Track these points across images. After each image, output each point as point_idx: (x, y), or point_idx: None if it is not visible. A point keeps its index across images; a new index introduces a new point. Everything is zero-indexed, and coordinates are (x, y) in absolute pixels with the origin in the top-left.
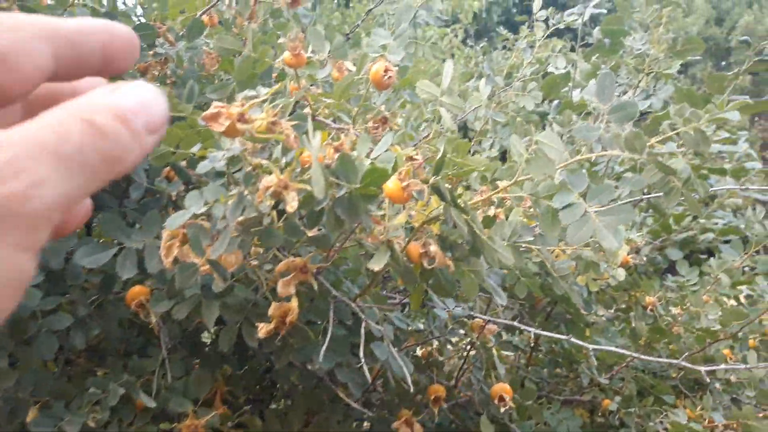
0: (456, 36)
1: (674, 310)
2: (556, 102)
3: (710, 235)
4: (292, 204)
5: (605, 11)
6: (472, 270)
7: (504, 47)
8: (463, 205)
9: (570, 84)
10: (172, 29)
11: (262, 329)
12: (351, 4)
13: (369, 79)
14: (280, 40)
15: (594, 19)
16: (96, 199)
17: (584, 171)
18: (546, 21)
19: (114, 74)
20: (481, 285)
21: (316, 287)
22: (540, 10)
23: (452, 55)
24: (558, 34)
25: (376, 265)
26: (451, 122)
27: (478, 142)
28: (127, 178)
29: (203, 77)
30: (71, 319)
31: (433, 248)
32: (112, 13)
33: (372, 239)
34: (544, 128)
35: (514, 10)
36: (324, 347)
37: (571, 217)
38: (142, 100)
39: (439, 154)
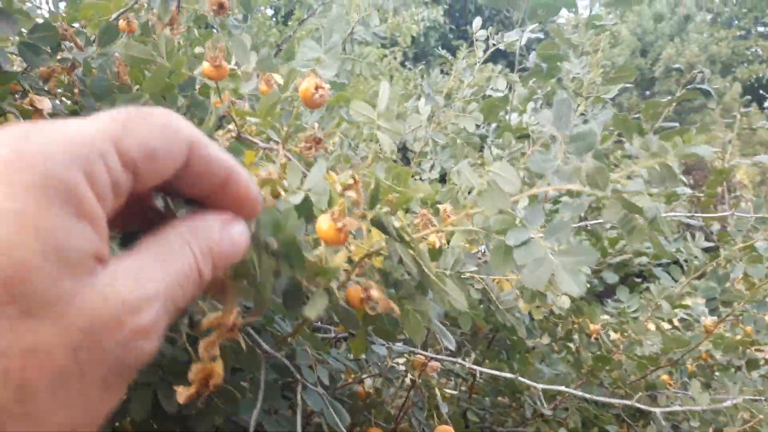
0: (395, 58)
1: (613, 335)
2: (494, 125)
3: (644, 259)
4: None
5: (541, 36)
6: (418, 310)
7: (442, 71)
8: (408, 239)
9: (508, 107)
10: (81, 32)
11: (182, 395)
12: (289, 22)
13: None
14: (198, 49)
15: (529, 45)
16: None
17: (540, 205)
18: (486, 41)
19: (219, 206)
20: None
21: (244, 346)
22: (480, 29)
23: (391, 77)
24: (494, 59)
25: (313, 311)
26: (390, 148)
27: (417, 163)
28: None
29: (116, 87)
30: None
31: (376, 293)
32: (5, 11)
33: (308, 282)
34: (482, 150)
35: (451, 36)
36: (257, 407)
37: (526, 257)
38: (237, 248)
39: (373, 185)
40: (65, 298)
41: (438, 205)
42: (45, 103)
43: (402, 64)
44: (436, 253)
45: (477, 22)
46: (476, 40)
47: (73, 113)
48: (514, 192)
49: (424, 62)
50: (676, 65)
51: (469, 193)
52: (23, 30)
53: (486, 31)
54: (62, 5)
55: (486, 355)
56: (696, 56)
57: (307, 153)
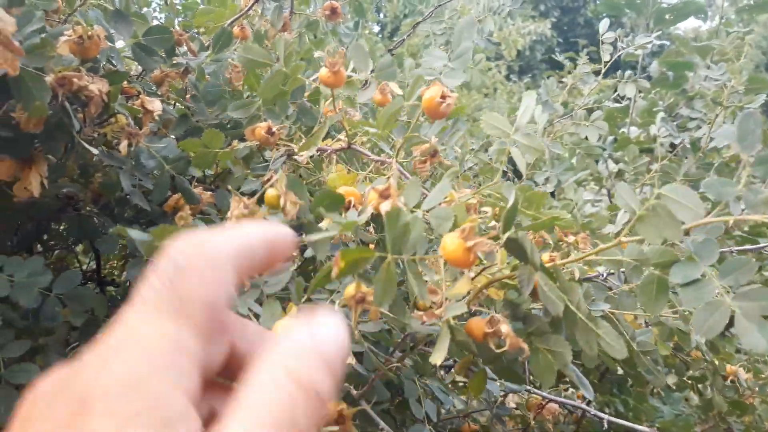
0: (500, 72)
1: (743, 375)
2: (611, 138)
3: None
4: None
5: (666, 43)
6: (552, 351)
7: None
8: (551, 268)
9: (627, 120)
10: (195, 38)
11: None
12: (395, 38)
13: (420, 105)
14: (317, 54)
15: (645, 55)
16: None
17: (715, 238)
18: (614, 44)
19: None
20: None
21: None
22: (607, 31)
23: (495, 90)
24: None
25: (438, 357)
26: (526, 167)
27: (530, 176)
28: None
29: (228, 93)
30: (39, 371)
31: (505, 327)
32: (122, 12)
33: (427, 315)
34: (597, 163)
35: (558, 49)
36: None
37: (695, 299)
38: (340, 342)
39: (510, 203)
40: None
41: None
42: (155, 105)
43: (507, 77)
44: (577, 281)
45: (604, 23)
46: (603, 43)
47: (183, 117)
48: (694, 221)
49: (529, 76)
50: None
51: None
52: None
53: (615, 33)
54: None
55: (597, 388)
56: None
57: (421, 167)
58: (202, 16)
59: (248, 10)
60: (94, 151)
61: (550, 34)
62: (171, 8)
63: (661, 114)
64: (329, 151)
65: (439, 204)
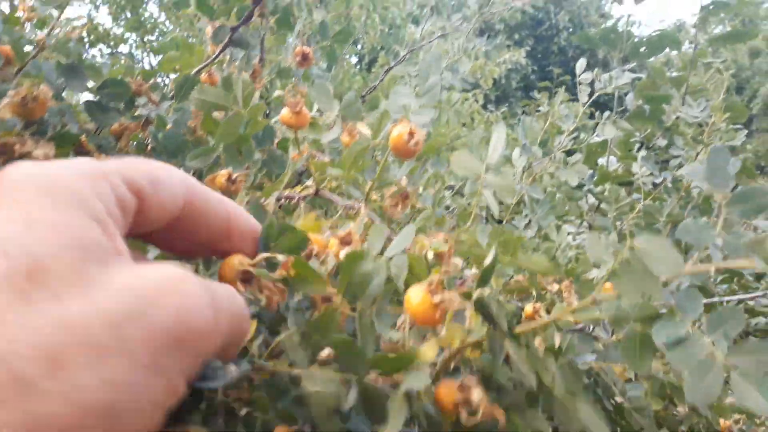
0: (476, 101)
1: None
2: (590, 172)
3: (762, 320)
4: None
5: (642, 76)
6: (530, 427)
7: (524, 112)
8: (526, 342)
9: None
10: (157, 87)
11: None
12: (373, 69)
13: (388, 144)
14: (277, 93)
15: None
16: None
17: (696, 289)
18: (591, 84)
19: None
20: None
21: None
22: (584, 71)
23: (472, 119)
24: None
25: (394, 429)
26: (498, 209)
27: (509, 220)
28: None
29: (191, 142)
30: None
31: (477, 394)
32: (75, 66)
33: (383, 378)
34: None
35: (533, 77)
36: None
37: (685, 359)
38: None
39: (489, 258)
40: (93, 280)
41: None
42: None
43: (483, 106)
44: (554, 351)
45: (581, 64)
46: (580, 84)
47: None
48: (671, 275)
49: (506, 104)
50: None
51: (575, 259)
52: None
53: (592, 74)
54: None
55: None
56: None
57: (392, 211)
58: (169, 64)
59: (216, 57)
60: None
61: (525, 63)
62: (145, 46)
63: (642, 152)
64: (296, 198)
65: (404, 252)
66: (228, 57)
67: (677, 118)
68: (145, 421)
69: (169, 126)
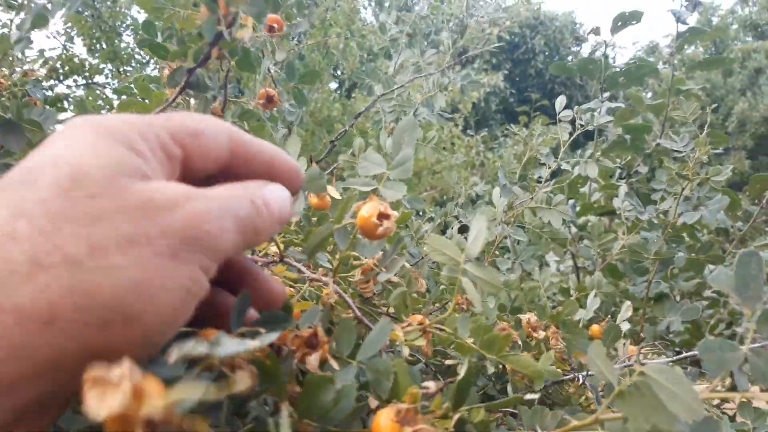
0: (456, 125)
1: None
2: (572, 202)
3: None
4: None
5: (621, 105)
6: None
7: (504, 135)
8: None
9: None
10: None
11: None
12: (353, 95)
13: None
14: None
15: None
16: None
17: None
18: (572, 122)
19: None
20: None
21: None
22: (564, 109)
23: (452, 144)
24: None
25: None
26: (480, 303)
27: (491, 263)
28: None
29: None
30: None
31: None
32: (13, 123)
33: None
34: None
35: (512, 100)
36: None
37: None
38: (281, 198)
39: (463, 371)
40: (122, 188)
41: (520, 315)
42: None
43: (463, 130)
44: None
45: (561, 100)
46: (560, 121)
47: None
48: (689, 418)
49: (485, 128)
50: None
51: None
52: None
53: (572, 112)
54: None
55: None
56: None
57: (364, 288)
58: (125, 108)
59: (172, 101)
60: None
61: (503, 86)
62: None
63: (624, 187)
64: (259, 263)
65: (380, 351)
66: (190, 101)
67: (658, 144)
68: (176, 303)
69: None
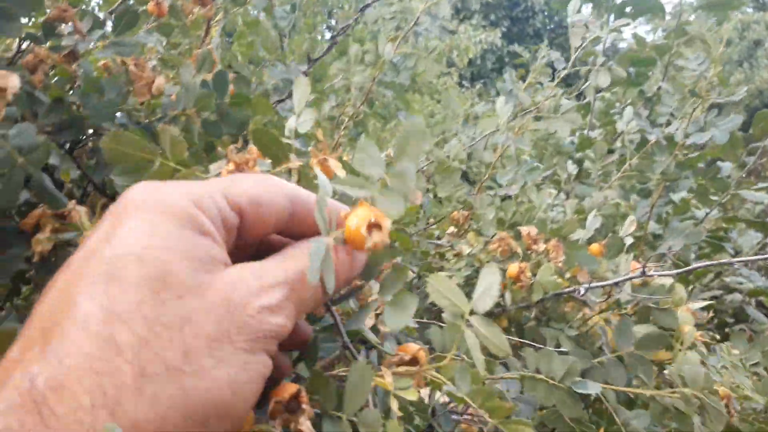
0: (452, 78)
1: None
2: (569, 138)
3: (738, 296)
4: None
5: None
6: None
7: (498, 93)
8: None
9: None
10: (87, 14)
11: None
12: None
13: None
14: (220, 149)
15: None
16: None
17: None
18: (583, 29)
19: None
20: None
21: None
22: (577, 14)
23: (432, 116)
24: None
25: None
26: (483, 365)
27: (492, 177)
28: None
29: (126, 95)
30: None
31: None
32: None
33: None
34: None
35: (507, 59)
36: None
37: None
38: (353, 265)
39: None
40: (204, 285)
41: (519, 228)
42: (11, 81)
43: (459, 84)
44: None
45: (574, 4)
46: (573, 26)
47: (58, 101)
48: None
49: (481, 82)
50: None
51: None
52: None
53: (586, 15)
54: None
55: None
56: (766, 82)
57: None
58: None
59: None
60: None
61: (501, 44)
62: None
63: (630, 108)
64: None
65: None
66: None
67: (659, 88)
68: (255, 389)
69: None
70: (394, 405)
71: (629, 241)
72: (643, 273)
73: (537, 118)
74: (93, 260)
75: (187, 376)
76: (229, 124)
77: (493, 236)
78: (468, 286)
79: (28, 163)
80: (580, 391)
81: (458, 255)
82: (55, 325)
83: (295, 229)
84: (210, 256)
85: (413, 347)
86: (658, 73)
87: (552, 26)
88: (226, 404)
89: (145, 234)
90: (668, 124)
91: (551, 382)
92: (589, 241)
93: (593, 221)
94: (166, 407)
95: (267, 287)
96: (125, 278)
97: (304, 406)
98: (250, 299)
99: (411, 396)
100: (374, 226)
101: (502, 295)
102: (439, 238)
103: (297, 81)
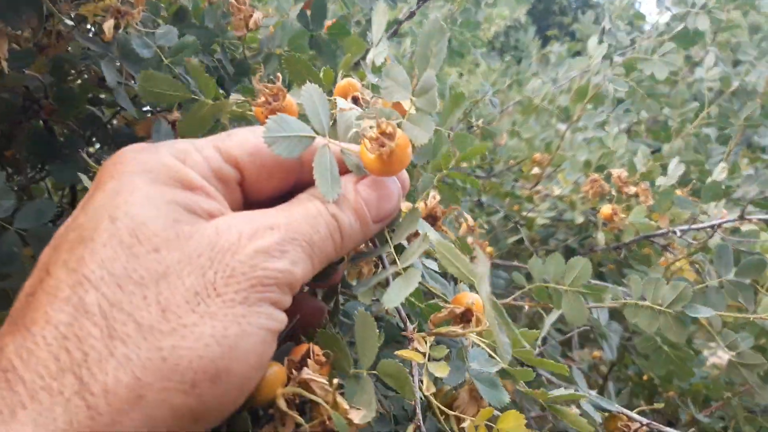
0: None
1: None
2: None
3: None
4: None
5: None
6: None
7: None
8: None
9: None
10: None
11: None
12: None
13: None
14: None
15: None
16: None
17: None
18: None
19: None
20: None
21: None
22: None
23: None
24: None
25: None
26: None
27: (580, 117)
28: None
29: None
30: None
31: None
32: None
33: None
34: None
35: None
36: None
37: None
38: (381, 195)
39: None
40: (184, 236)
41: (611, 170)
42: None
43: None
44: None
45: None
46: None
47: (181, 12)
48: None
49: (510, 54)
50: None
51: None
52: None
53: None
54: None
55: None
56: None
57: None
58: None
59: None
60: (69, 23)
61: (525, 21)
62: None
63: (712, 50)
64: None
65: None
66: None
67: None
68: (257, 346)
69: None
70: (426, 380)
71: (723, 183)
72: (742, 216)
73: (632, 61)
74: (69, 229)
75: (165, 336)
76: (326, 59)
77: (581, 179)
78: (552, 227)
79: (173, 63)
80: (692, 314)
81: (545, 197)
82: (30, 296)
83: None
84: (196, 208)
85: (467, 298)
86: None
87: (577, 4)
88: (216, 365)
89: (123, 193)
90: (747, 72)
91: (657, 308)
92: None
93: (677, 167)
94: (140, 369)
95: (261, 229)
96: (96, 239)
97: (309, 360)
98: (241, 240)
99: (441, 372)
100: (381, 139)
101: (588, 235)
102: (516, 180)
103: (376, 7)
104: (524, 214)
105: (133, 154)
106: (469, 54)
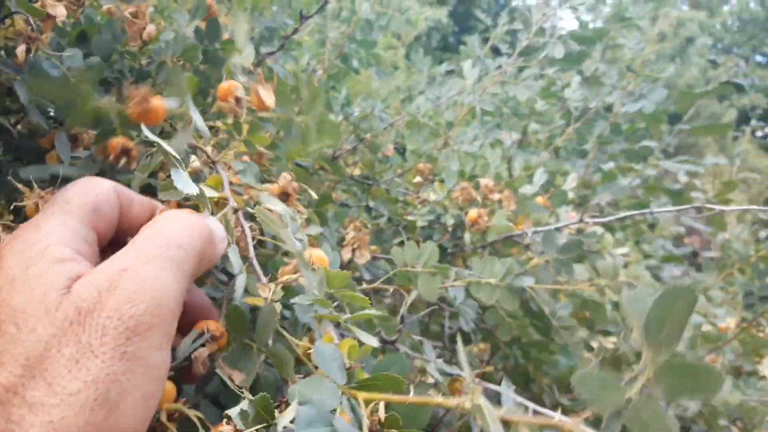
0: (399, 52)
1: None
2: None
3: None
4: None
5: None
6: None
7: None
8: None
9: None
10: None
11: None
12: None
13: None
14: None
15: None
16: None
17: None
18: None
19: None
20: None
21: None
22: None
23: (396, 68)
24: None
25: None
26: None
27: (463, 127)
28: None
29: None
30: None
31: None
32: None
33: None
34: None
35: (452, 39)
36: None
37: None
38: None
39: None
40: (51, 309)
41: (479, 179)
42: (59, 10)
43: (406, 56)
44: None
45: None
46: None
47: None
48: None
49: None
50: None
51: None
52: None
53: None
54: None
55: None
56: (695, 79)
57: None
58: None
59: None
60: None
61: (446, 22)
62: None
63: (577, 78)
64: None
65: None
66: None
67: (596, 69)
68: (143, 393)
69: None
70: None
71: (570, 194)
72: (581, 220)
73: (501, 83)
74: None
75: (54, 409)
76: (220, 71)
77: (454, 186)
78: (430, 229)
79: (79, 83)
80: (516, 284)
81: (424, 202)
82: None
83: (129, 221)
84: (70, 273)
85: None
86: (597, 56)
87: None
88: (100, 428)
89: (4, 287)
90: (610, 93)
91: (493, 282)
92: (534, 195)
93: (541, 176)
94: None
95: (116, 277)
96: None
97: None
98: (102, 299)
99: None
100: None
101: (461, 237)
102: (406, 189)
103: (237, 18)
104: (407, 217)
105: (9, 239)
106: (367, 71)
